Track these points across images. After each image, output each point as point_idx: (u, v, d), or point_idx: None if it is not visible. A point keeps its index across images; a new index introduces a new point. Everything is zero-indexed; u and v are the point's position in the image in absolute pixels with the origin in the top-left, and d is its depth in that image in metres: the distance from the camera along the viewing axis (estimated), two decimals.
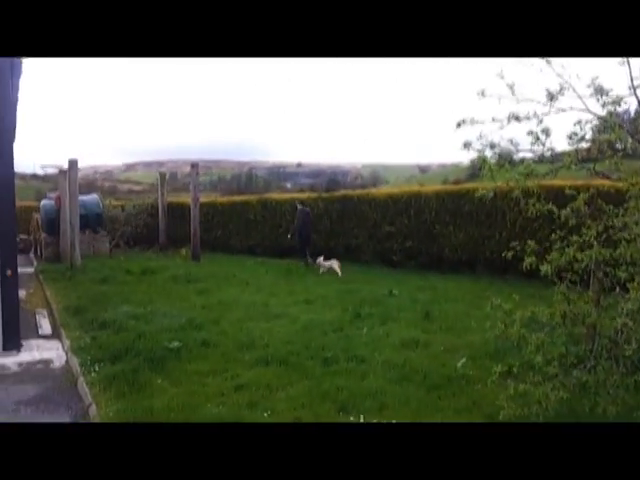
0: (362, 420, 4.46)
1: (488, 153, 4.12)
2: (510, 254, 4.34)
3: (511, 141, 4.14)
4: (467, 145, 4.01)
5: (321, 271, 13.05)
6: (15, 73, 6.91)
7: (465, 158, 4.91)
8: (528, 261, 4.19)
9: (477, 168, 4.98)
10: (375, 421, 4.45)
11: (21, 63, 6.76)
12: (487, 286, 10.29)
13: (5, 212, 6.80)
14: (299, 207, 15.11)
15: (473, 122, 3.90)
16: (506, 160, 4.31)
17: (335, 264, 12.96)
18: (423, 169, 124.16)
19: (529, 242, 4.24)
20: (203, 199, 18.89)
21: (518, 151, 4.37)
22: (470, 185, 13.66)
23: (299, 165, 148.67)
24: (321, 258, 13.29)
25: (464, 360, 5.91)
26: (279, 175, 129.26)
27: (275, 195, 19.72)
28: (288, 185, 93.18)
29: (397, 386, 5.29)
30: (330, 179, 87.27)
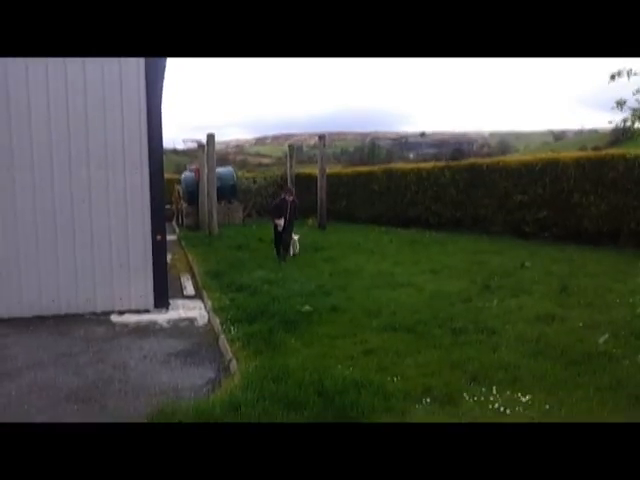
0: (494, 392, 4.38)
1: None
2: None
3: None
4: (621, 104, 3.64)
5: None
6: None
7: (606, 123, 4.47)
8: None
9: (627, 130, 4.55)
10: (508, 393, 4.36)
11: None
12: (632, 260, 9.48)
13: (156, 186, 7.45)
14: (289, 198, 11.56)
15: (631, 74, 3.52)
16: None
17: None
18: (557, 136, 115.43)
19: None
20: (328, 170, 19.20)
21: None
22: (615, 151, 12.51)
23: (423, 135, 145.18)
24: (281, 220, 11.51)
25: (606, 336, 5.53)
26: (402, 145, 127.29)
27: (399, 165, 19.52)
28: (411, 155, 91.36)
29: (531, 360, 5.10)
30: (455, 148, 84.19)
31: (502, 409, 4.10)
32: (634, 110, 3.87)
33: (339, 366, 5.00)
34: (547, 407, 4.11)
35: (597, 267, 9.48)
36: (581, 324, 6.14)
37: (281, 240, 11.44)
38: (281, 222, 11.34)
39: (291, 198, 11.58)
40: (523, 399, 4.25)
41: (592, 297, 7.35)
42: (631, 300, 6.77)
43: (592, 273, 8.97)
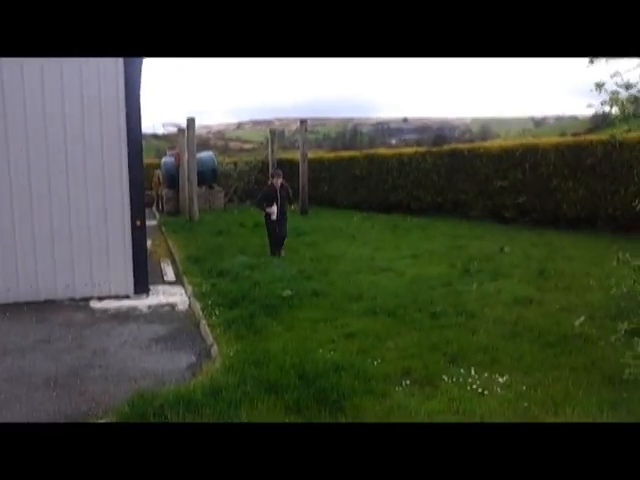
0: (473, 373, 4.44)
1: (623, 95, 3.76)
2: None
3: None
4: (600, 86, 3.67)
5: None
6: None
7: (586, 110, 4.51)
8: None
9: (606, 116, 4.59)
10: (486, 375, 4.42)
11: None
12: (609, 244, 9.61)
13: (135, 171, 7.35)
14: (277, 182, 9.95)
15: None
16: None
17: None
18: (538, 122, 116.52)
19: None
20: (310, 155, 19.11)
21: None
22: (594, 137, 12.64)
23: (405, 121, 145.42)
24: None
25: (582, 319, 5.63)
26: (384, 131, 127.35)
27: (381, 150, 19.49)
28: (393, 141, 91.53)
29: (509, 342, 5.18)
30: (437, 134, 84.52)
31: (480, 390, 4.17)
32: (612, 93, 3.90)
33: (320, 350, 5.02)
34: (524, 388, 4.18)
35: (575, 251, 9.63)
36: (558, 307, 6.24)
37: (275, 234, 9.89)
38: (273, 210, 9.76)
39: (280, 182, 9.95)
40: (501, 380, 4.33)
41: (569, 280, 7.47)
42: (607, 283, 6.88)
43: (570, 257, 9.10)
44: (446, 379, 4.37)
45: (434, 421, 3.67)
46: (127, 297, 7.41)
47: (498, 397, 4.07)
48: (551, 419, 3.70)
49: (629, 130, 4.06)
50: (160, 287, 8.07)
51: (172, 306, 7.11)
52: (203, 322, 6.15)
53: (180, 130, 18.02)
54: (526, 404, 3.92)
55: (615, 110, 3.93)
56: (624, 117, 3.83)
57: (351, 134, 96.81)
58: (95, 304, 7.12)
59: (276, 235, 9.88)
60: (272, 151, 19.81)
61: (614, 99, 3.80)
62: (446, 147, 16.65)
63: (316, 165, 19.49)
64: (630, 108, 3.87)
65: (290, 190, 10.47)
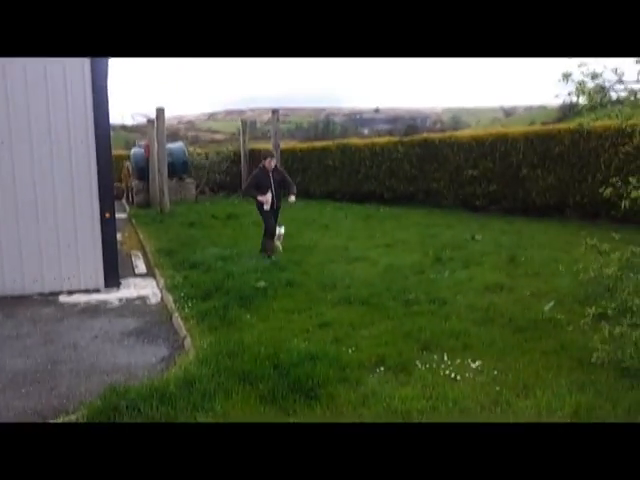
0: (446, 359, 4.50)
1: (589, 84, 3.83)
2: (609, 190, 4.09)
3: (615, 70, 3.81)
4: (567, 76, 3.73)
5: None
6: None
7: (554, 100, 4.58)
8: (635, 194, 3.86)
9: (573, 106, 4.67)
10: (459, 360, 4.48)
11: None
12: (577, 231, 9.82)
13: (103, 163, 7.20)
14: (271, 163, 8.61)
15: None
16: (607, 93, 4.01)
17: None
18: (508, 112, 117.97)
19: (631, 178, 3.97)
20: (282, 146, 18.99)
21: (622, 82, 4.02)
22: (562, 125, 12.86)
23: (377, 111, 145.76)
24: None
25: (552, 304, 5.75)
26: (356, 121, 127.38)
27: (354, 140, 19.48)
28: (365, 131, 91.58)
29: (481, 328, 5.26)
30: (409, 124, 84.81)
31: (453, 375, 4.22)
32: (579, 83, 3.96)
33: (294, 339, 5.02)
34: (496, 372, 4.25)
35: (544, 238, 9.81)
36: (528, 293, 6.36)
37: (271, 227, 8.60)
38: (268, 198, 8.40)
39: (273, 163, 8.58)
40: (473, 365, 4.40)
41: (539, 267, 7.61)
42: (575, 269, 7.04)
43: (539, 244, 9.27)
44: (419, 365, 4.42)
45: (408, 407, 3.71)
46: (97, 291, 7.28)
47: (471, 382, 4.13)
48: (522, 402, 3.78)
49: (596, 119, 4.14)
50: (131, 280, 7.95)
51: (144, 299, 7.01)
52: (175, 314, 6.09)
53: (149, 121, 17.72)
54: (498, 388, 3.99)
55: (582, 100, 4.00)
56: (591, 107, 3.90)
57: (324, 124, 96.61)
58: (64, 298, 6.98)
59: (270, 226, 8.61)
60: (244, 141, 19.65)
61: (581, 89, 3.87)
62: (418, 137, 16.74)
63: (289, 155, 19.39)
64: (596, 98, 3.94)
65: (287, 175, 9.27)
